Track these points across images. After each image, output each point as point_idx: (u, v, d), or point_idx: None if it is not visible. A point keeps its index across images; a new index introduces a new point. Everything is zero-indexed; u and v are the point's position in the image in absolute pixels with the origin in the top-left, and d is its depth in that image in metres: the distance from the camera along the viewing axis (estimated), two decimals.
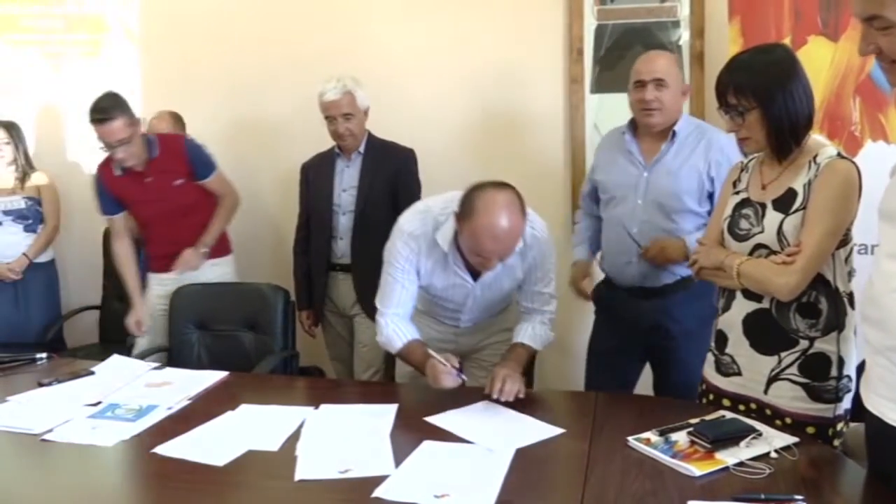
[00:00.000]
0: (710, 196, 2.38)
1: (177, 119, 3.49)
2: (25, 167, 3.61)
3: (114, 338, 3.65)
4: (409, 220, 2.17)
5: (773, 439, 1.68)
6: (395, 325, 2.19)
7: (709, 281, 1.98)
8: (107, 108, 2.79)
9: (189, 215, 3.03)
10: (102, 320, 3.84)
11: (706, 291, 2.31)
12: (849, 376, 1.81)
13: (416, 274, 2.18)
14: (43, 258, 3.65)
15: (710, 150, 2.38)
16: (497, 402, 1.99)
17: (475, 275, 2.17)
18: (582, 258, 2.70)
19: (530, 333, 2.23)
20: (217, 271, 3.10)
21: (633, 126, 2.50)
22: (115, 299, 3.78)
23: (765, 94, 1.77)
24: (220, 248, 3.14)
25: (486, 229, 1.94)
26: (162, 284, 3.07)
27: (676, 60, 2.54)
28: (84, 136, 3.82)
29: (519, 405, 1.98)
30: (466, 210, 1.98)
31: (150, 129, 3.32)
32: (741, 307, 1.89)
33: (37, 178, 3.63)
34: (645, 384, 2.72)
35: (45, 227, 3.63)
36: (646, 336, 2.50)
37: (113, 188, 3.01)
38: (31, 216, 3.60)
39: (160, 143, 3.00)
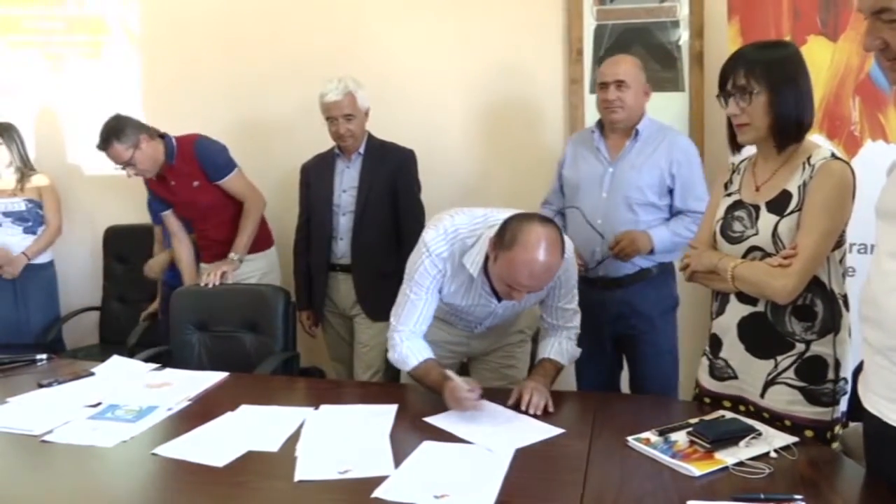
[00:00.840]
0: (671, 191, 2.56)
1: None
2: (23, 169, 3.60)
3: (113, 339, 3.67)
4: (436, 241, 2.07)
5: (773, 439, 1.69)
6: (411, 342, 2.13)
7: (702, 284, 1.97)
8: (105, 137, 2.98)
9: (216, 214, 3.16)
10: (102, 321, 3.84)
11: (665, 282, 2.56)
12: (845, 378, 1.80)
13: (439, 293, 2.13)
14: (42, 259, 3.65)
15: (672, 149, 2.54)
16: (515, 408, 1.98)
17: (499, 295, 2.12)
18: None
19: (557, 349, 2.19)
20: (252, 266, 3.18)
21: (601, 125, 2.67)
22: (114, 300, 3.81)
23: (777, 80, 1.76)
24: (258, 243, 3.21)
25: (524, 264, 1.89)
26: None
27: (638, 64, 2.63)
28: (84, 137, 3.87)
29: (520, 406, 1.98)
30: (508, 240, 1.91)
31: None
32: (735, 311, 1.88)
33: (37, 180, 3.63)
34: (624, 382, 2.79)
35: (46, 228, 3.64)
36: (612, 326, 2.62)
37: (155, 190, 3.22)
38: (32, 218, 3.60)
39: (178, 148, 3.10)
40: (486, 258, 2.01)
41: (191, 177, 3.10)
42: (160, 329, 3.40)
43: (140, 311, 3.61)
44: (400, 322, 2.13)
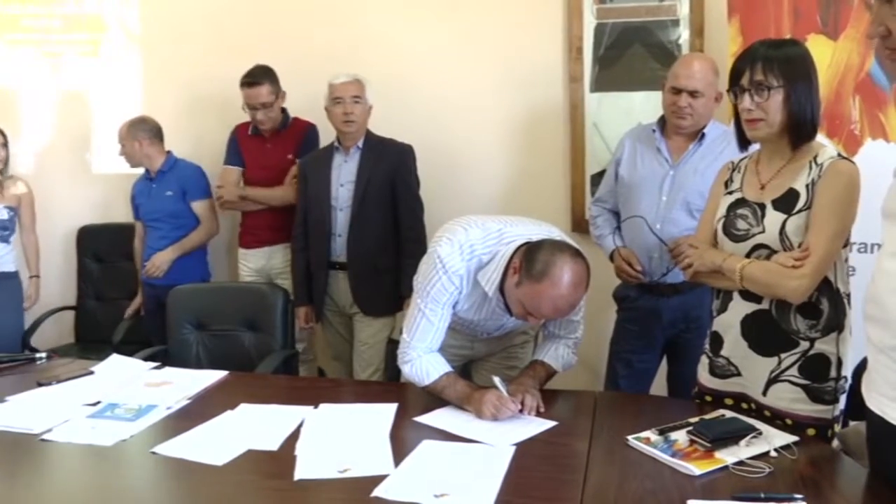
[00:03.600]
0: None
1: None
2: (1, 176, 3.52)
3: (91, 337, 3.68)
4: (451, 257, 1.98)
5: (773, 438, 1.68)
6: (430, 357, 2.04)
7: (705, 283, 1.97)
8: (256, 74, 3.21)
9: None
10: (78, 320, 3.84)
11: None
12: (846, 377, 1.81)
13: (453, 307, 2.07)
14: (9, 268, 3.52)
15: (737, 155, 2.40)
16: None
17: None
18: (620, 244, 2.65)
19: (553, 354, 2.15)
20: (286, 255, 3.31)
21: (663, 124, 2.58)
22: (91, 299, 3.81)
23: (794, 77, 1.76)
24: (287, 233, 3.25)
25: (551, 299, 1.86)
26: (246, 260, 3.40)
27: (714, 68, 2.52)
28: (82, 136, 3.87)
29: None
30: (537, 271, 1.85)
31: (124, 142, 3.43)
32: (739, 308, 1.87)
33: (18, 188, 3.55)
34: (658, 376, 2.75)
35: (28, 242, 3.58)
36: (665, 330, 2.59)
37: (241, 142, 3.39)
38: (10, 227, 3.51)
39: (293, 122, 3.37)
40: (503, 274, 1.96)
41: (288, 149, 3.32)
42: (145, 328, 3.42)
43: (119, 308, 3.61)
44: (415, 339, 2.05)
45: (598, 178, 3.12)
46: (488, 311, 2.09)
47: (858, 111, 2.60)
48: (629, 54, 3.18)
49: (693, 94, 2.45)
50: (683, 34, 3.14)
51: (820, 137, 1.91)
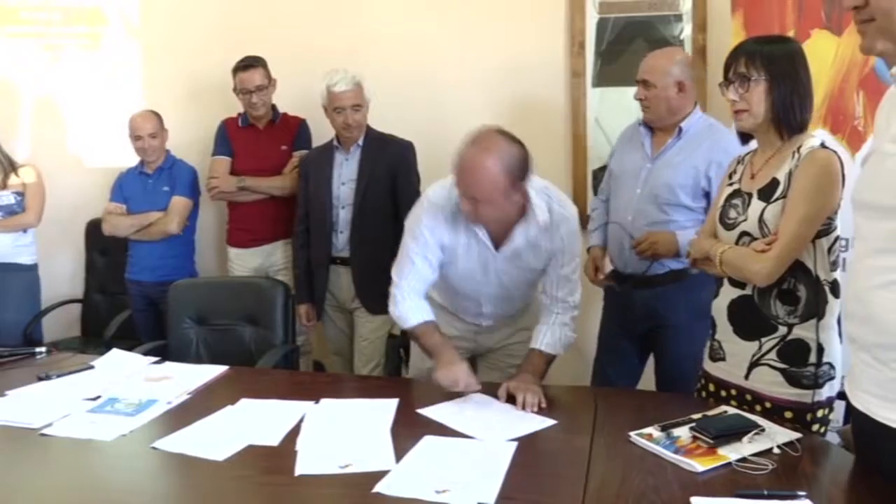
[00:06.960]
0: (707, 194, 2.44)
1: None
2: (4, 165, 3.50)
3: (94, 331, 3.67)
4: (434, 190, 2.13)
5: (776, 435, 1.68)
6: (413, 300, 2.13)
7: (703, 271, 2.01)
8: (250, 59, 3.24)
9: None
10: (84, 314, 3.85)
11: (699, 285, 2.35)
12: (830, 363, 1.83)
13: (440, 248, 2.13)
14: (26, 260, 3.54)
15: (713, 150, 2.42)
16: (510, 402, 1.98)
17: (497, 247, 2.13)
18: (596, 244, 2.76)
19: (550, 339, 2.15)
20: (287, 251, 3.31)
21: None
22: (96, 293, 3.82)
23: (776, 70, 1.80)
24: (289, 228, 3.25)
25: (462, 160, 1.95)
26: (241, 260, 3.39)
27: (672, 59, 2.51)
28: (83, 129, 3.86)
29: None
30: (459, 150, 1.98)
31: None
32: (727, 294, 1.94)
33: (24, 175, 3.52)
34: (647, 375, 2.75)
35: (22, 214, 3.51)
36: (640, 324, 2.60)
37: (231, 134, 3.38)
38: (21, 211, 3.51)
39: (283, 116, 3.39)
40: None
41: (282, 140, 3.34)
42: (135, 324, 3.42)
43: (120, 303, 3.59)
44: (400, 276, 2.15)
45: (599, 173, 3.12)
46: (473, 244, 2.12)
47: (862, 107, 2.59)
48: (631, 49, 3.17)
49: (645, 83, 2.49)
50: (686, 29, 3.12)
51: (824, 133, 1.92)
